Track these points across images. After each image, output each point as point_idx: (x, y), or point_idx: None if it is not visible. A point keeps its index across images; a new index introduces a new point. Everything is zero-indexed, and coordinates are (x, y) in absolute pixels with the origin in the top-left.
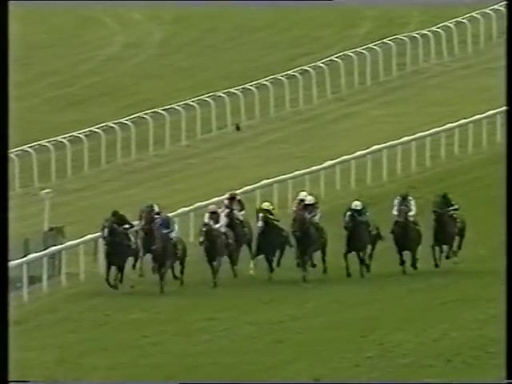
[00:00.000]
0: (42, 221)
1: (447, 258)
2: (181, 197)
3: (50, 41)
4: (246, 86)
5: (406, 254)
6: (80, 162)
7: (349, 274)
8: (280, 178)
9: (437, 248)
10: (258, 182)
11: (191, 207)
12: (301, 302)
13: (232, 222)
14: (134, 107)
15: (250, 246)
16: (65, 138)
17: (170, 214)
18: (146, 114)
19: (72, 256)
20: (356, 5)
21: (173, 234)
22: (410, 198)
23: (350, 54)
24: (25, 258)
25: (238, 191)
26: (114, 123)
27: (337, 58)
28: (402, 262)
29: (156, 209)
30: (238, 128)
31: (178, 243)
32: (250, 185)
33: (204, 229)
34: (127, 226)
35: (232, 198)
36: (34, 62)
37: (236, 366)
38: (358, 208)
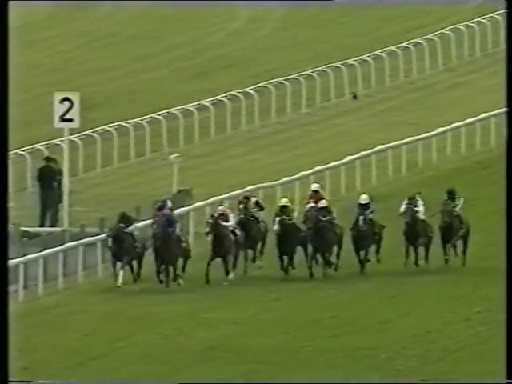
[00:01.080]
0: (171, 183)
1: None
2: (301, 161)
3: (178, 15)
4: (363, 57)
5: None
6: (207, 128)
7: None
8: (394, 143)
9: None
10: (374, 147)
11: (311, 171)
12: (411, 261)
13: (246, 219)
14: (258, 77)
15: (263, 244)
16: (193, 106)
17: (289, 178)
18: (268, 83)
19: (199, 216)
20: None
21: (177, 230)
22: (418, 198)
23: (460, 27)
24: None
25: (256, 186)
26: (239, 92)
27: (448, 30)
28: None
29: (169, 204)
30: (355, 97)
31: (181, 241)
32: (365, 150)
33: (210, 220)
34: (131, 227)
35: (246, 198)
36: (163, 35)
37: (353, 320)
38: (365, 202)
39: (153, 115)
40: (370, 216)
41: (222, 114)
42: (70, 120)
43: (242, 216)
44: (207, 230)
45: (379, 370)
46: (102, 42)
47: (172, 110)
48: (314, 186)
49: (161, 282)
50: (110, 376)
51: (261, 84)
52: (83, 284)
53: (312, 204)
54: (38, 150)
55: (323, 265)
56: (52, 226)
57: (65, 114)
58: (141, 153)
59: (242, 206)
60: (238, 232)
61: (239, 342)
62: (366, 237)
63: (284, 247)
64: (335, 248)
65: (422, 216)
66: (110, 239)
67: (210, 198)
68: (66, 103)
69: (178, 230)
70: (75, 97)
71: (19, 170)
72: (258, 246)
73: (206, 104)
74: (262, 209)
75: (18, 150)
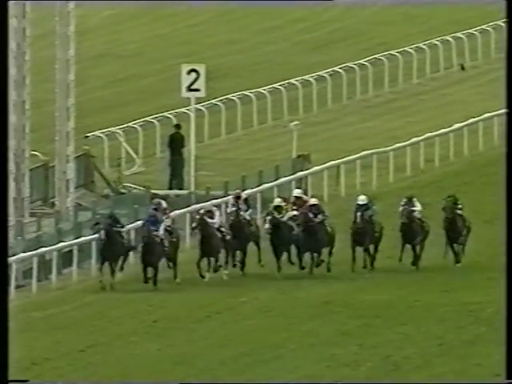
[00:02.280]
0: (291, 149)
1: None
2: (413, 128)
3: None
4: (471, 31)
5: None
6: (324, 97)
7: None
8: (500, 111)
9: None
10: (481, 115)
11: (422, 137)
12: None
13: (238, 221)
14: (371, 50)
15: (257, 244)
16: (311, 76)
17: (400, 145)
18: (382, 55)
19: (317, 180)
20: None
21: (160, 232)
22: (415, 199)
23: None
24: (276, 182)
25: (244, 192)
26: (354, 64)
27: None
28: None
29: (164, 205)
30: (462, 68)
31: (165, 239)
32: (473, 118)
33: (197, 216)
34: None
35: (238, 197)
36: (284, 10)
37: (461, 277)
38: (363, 203)
39: (274, 85)
40: (369, 214)
41: (339, 84)
42: (197, 90)
43: (232, 218)
44: (193, 225)
45: (485, 323)
46: (227, 16)
47: (292, 81)
48: (296, 192)
49: (146, 281)
50: (232, 328)
51: (374, 56)
52: None
53: (294, 212)
54: (167, 117)
55: (312, 264)
56: (179, 189)
57: (191, 84)
58: (263, 120)
59: (233, 208)
60: (224, 230)
61: (354, 298)
62: (364, 235)
63: (276, 245)
64: (328, 247)
65: (418, 215)
66: (100, 236)
67: (327, 162)
68: (193, 74)
69: (161, 232)
70: (201, 68)
71: (149, 136)
72: (248, 248)
73: (324, 75)
74: (248, 207)
75: (147, 118)
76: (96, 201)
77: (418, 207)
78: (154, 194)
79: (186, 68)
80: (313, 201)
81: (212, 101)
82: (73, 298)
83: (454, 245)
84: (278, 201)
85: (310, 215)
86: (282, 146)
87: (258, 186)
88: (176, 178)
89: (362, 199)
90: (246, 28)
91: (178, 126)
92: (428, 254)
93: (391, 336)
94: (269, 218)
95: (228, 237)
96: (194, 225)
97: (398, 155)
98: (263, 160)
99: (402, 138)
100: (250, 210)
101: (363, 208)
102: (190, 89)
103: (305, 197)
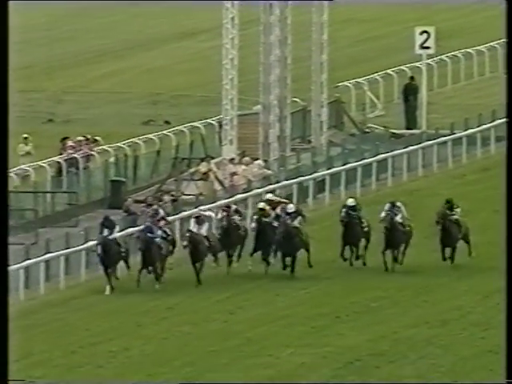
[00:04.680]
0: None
1: (451, 260)
2: None
3: None
4: None
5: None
6: None
7: (345, 260)
8: None
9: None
10: None
11: None
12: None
13: (229, 226)
14: None
15: (242, 247)
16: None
17: None
18: None
19: None
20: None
21: (156, 239)
22: (399, 204)
23: None
24: (493, 123)
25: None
26: None
27: None
28: (395, 259)
29: (161, 213)
30: None
31: (161, 245)
32: None
33: (187, 234)
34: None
35: (228, 208)
36: None
37: None
38: (352, 204)
39: (491, 44)
40: (359, 215)
41: None
42: (428, 48)
43: (224, 223)
44: (185, 243)
45: None
46: None
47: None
48: (268, 196)
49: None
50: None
51: None
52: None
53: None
54: (403, 70)
55: (293, 266)
56: (413, 129)
57: (423, 43)
58: (482, 73)
59: (224, 213)
60: (211, 238)
61: None
62: (354, 233)
63: (259, 244)
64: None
65: (400, 220)
66: (98, 247)
67: None
68: (425, 35)
69: (158, 239)
70: (431, 30)
71: (388, 86)
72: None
73: None
74: (240, 214)
75: (387, 71)
76: (345, 138)
77: (402, 212)
78: (393, 132)
79: (418, 30)
80: (290, 208)
81: (440, 56)
82: None
83: (446, 248)
84: (261, 205)
85: (288, 221)
86: (497, 94)
87: (478, 126)
88: (411, 120)
89: (351, 202)
90: None
91: (412, 78)
92: None
93: None
94: (255, 217)
95: (213, 243)
96: (184, 243)
97: None
98: (483, 105)
99: None
100: (241, 217)
101: (350, 208)
102: (422, 47)
103: (276, 199)
